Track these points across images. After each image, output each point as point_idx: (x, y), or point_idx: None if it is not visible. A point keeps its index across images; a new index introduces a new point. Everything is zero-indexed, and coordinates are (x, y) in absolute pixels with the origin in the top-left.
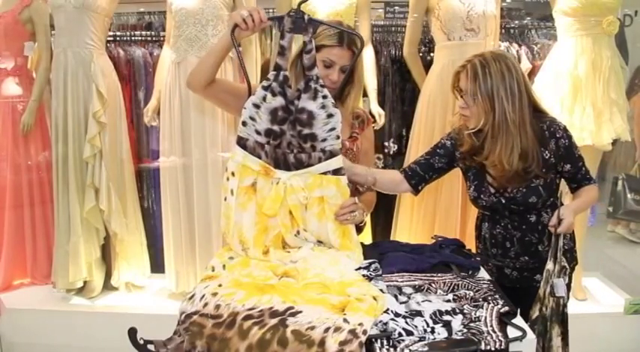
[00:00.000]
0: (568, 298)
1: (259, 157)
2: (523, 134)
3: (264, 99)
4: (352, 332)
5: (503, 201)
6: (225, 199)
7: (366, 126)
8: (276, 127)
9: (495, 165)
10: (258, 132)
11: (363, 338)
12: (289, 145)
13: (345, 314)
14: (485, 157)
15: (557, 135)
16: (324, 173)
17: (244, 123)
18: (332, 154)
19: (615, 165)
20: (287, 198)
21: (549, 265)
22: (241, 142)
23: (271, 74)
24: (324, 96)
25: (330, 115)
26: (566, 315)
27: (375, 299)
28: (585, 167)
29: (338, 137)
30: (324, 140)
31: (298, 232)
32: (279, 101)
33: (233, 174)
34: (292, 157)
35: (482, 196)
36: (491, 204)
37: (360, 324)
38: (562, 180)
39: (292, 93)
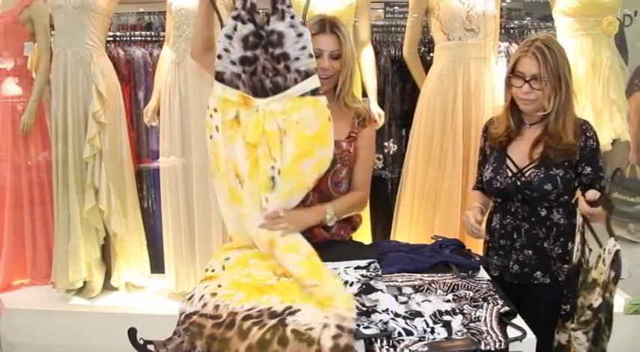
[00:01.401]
0: None
1: (237, 88)
2: (574, 111)
3: (235, 28)
4: (339, 326)
5: (518, 184)
6: (211, 137)
7: (368, 124)
8: (249, 53)
9: (559, 137)
10: (233, 63)
11: (353, 326)
12: (264, 70)
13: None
14: (550, 134)
15: (588, 135)
16: (303, 95)
17: (219, 57)
18: (307, 74)
19: (612, 165)
20: (265, 124)
21: (617, 246)
22: (219, 77)
23: (238, 3)
24: (292, 17)
25: (299, 34)
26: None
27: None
28: (604, 182)
29: (311, 56)
30: (296, 59)
31: (273, 167)
32: (249, 28)
33: (215, 110)
34: (269, 82)
35: (498, 177)
36: (506, 186)
37: (343, 317)
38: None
39: (261, 19)
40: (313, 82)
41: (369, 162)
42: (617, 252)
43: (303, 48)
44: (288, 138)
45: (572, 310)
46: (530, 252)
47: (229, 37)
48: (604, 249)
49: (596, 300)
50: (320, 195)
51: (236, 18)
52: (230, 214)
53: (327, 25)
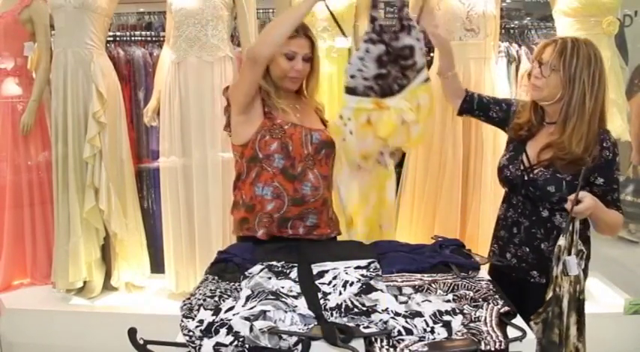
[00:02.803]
0: (586, 277)
1: (369, 96)
2: (592, 124)
3: (367, 50)
4: None
5: (525, 178)
6: (345, 139)
7: (326, 121)
8: (383, 70)
9: (563, 146)
10: (366, 79)
11: None
12: (395, 79)
13: None
14: (555, 136)
15: (604, 145)
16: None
17: (353, 77)
18: (421, 68)
19: None
20: (395, 119)
21: (561, 241)
22: (350, 91)
23: (368, 26)
24: (414, 27)
25: (419, 40)
26: (582, 303)
27: None
28: (619, 195)
29: (424, 54)
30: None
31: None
32: (380, 48)
33: (349, 118)
34: (396, 85)
35: (510, 167)
36: (514, 178)
37: None
38: None
39: (390, 37)
40: (424, 73)
41: None
42: (559, 246)
43: (421, 49)
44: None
45: None
46: (527, 249)
47: (362, 58)
48: (555, 245)
49: (549, 294)
50: (325, 181)
51: (367, 41)
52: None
53: (300, 29)
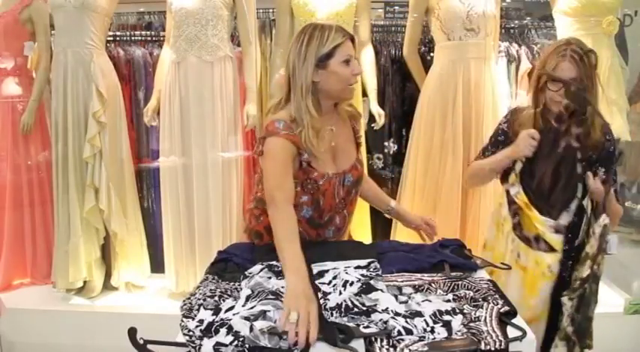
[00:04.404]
0: None
1: None
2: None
3: None
4: None
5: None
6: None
7: (357, 124)
8: None
9: (589, 134)
10: None
11: None
12: None
13: None
14: (585, 135)
15: (607, 137)
16: None
17: None
18: None
19: (625, 168)
20: None
21: (606, 220)
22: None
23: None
24: None
25: None
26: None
27: None
28: (617, 188)
29: None
30: None
31: None
32: None
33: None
34: None
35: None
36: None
37: None
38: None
39: None
40: None
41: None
42: (605, 225)
43: None
44: None
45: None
46: None
47: None
48: (596, 224)
49: (585, 272)
50: (350, 216)
51: None
52: None
53: (345, 32)
